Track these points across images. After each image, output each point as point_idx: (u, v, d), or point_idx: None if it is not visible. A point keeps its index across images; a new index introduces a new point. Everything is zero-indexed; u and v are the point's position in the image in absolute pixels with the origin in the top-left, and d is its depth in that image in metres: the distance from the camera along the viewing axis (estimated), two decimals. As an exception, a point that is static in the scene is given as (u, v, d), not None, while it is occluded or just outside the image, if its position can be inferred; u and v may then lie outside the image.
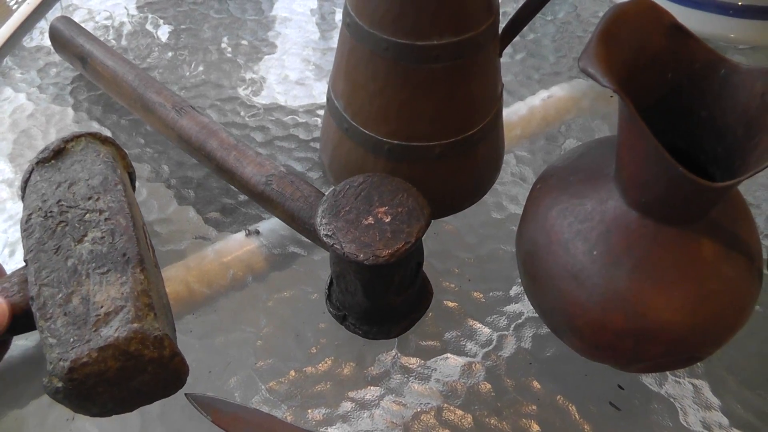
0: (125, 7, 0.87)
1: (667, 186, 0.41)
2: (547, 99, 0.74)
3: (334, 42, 0.82)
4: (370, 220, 0.48)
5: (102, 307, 0.45)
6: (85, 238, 0.49)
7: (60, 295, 0.45)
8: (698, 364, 0.54)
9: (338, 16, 0.85)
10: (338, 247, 0.47)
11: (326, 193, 0.50)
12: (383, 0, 0.48)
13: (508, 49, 0.56)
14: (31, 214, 0.51)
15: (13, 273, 0.51)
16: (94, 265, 0.47)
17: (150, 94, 0.65)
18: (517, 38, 0.55)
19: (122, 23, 0.85)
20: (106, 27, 0.85)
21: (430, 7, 0.47)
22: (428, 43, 0.48)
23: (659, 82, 0.45)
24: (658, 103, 0.45)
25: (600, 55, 0.40)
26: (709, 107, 0.44)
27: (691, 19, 0.59)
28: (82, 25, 0.78)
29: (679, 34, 0.44)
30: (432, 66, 0.50)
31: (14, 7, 1.44)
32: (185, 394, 0.52)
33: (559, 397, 0.53)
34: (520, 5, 0.53)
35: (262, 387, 0.54)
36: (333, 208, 0.49)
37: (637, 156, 0.42)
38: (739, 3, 0.77)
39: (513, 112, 0.73)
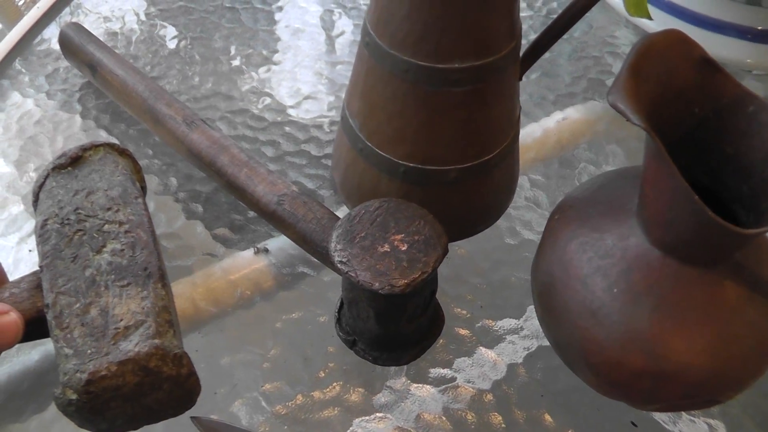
0: (136, 14, 0.86)
1: (693, 228, 0.40)
2: (561, 121, 0.73)
3: (347, 56, 0.81)
4: (386, 247, 0.47)
5: (122, 320, 0.44)
6: (104, 249, 0.48)
7: (77, 305, 0.45)
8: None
9: (351, 28, 0.84)
10: (353, 274, 0.46)
11: (341, 218, 0.49)
12: (405, 21, 0.47)
13: (523, 70, 0.55)
14: (47, 220, 0.50)
15: (22, 278, 0.50)
16: (113, 276, 0.46)
17: (160, 105, 0.65)
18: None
19: (132, 30, 0.84)
20: (116, 33, 0.84)
21: (453, 30, 0.46)
22: (449, 66, 0.47)
23: (685, 116, 0.44)
24: (683, 137, 0.44)
25: (629, 89, 0.40)
26: (736, 144, 0.43)
27: (708, 42, 0.58)
28: (92, 31, 0.77)
29: (708, 67, 0.43)
30: (452, 89, 0.49)
31: (23, 8, 1.44)
32: (191, 417, 0.51)
33: (570, 431, 0.52)
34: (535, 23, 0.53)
35: (269, 410, 0.53)
36: (348, 234, 0.48)
37: (662, 195, 0.41)
38: (759, 28, 0.76)
39: (528, 134, 0.72)
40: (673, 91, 0.42)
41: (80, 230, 0.49)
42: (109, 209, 0.50)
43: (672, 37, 0.42)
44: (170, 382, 0.43)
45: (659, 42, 0.41)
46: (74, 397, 0.41)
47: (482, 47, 0.47)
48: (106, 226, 0.49)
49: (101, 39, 0.76)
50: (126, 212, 0.50)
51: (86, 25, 0.82)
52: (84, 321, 0.44)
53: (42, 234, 0.49)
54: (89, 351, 0.42)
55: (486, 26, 0.47)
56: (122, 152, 0.56)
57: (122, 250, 0.48)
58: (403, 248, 0.47)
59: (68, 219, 0.49)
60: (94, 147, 0.55)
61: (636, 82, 0.40)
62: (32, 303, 0.49)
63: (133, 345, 0.42)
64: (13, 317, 0.46)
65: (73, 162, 0.54)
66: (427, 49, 0.47)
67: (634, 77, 0.40)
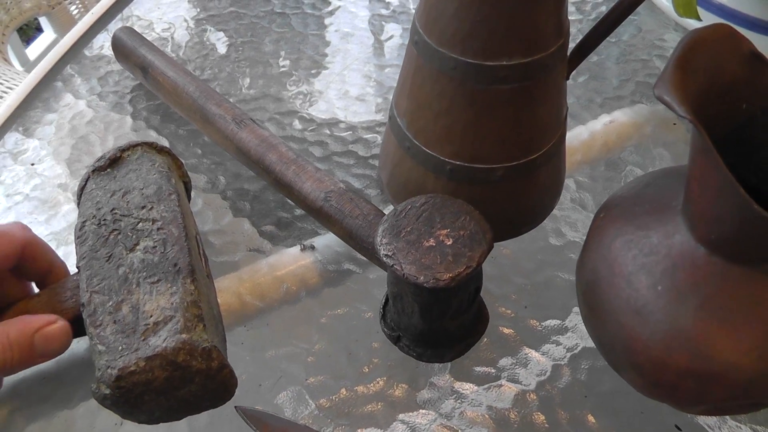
0: (186, 20, 0.88)
1: (740, 224, 0.39)
2: (609, 124, 0.73)
3: (396, 59, 0.82)
4: (432, 242, 0.47)
5: (151, 316, 0.45)
6: (137, 247, 0.49)
7: (110, 303, 0.46)
8: (761, 411, 0.53)
9: (399, 32, 0.85)
10: (398, 268, 0.46)
11: (387, 213, 0.50)
12: (453, 19, 0.47)
13: (571, 72, 0.55)
14: (85, 222, 0.51)
15: (67, 279, 0.52)
16: (144, 274, 0.47)
17: (210, 105, 0.66)
18: (581, 60, 0.54)
19: (182, 35, 0.86)
20: (166, 38, 0.86)
21: (501, 28, 0.46)
22: (497, 64, 0.48)
23: (732, 112, 0.43)
24: (731, 134, 0.44)
25: (676, 82, 0.39)
26: (785, 142, 0.43)
27: (759, 45, 0.58)
28: (144, 36, 0.79)
29: (757, 63, 0.42)
30: (499, 87, 0.49)
31: (76, 14, 1.47)
32: (235, 407, 0.52)
33: (613, 432, 0.52)
34: (584, 26, 0.53)
35: (313, 404, 0.53)
36: (394, 228, 0.48)
37: (708, 191, 0.40)
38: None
39: (574, 136, 0.72)
40: (720, 86, 0.42)
41: (115, 230, 0.50)
42: (143, 207, 0.51)
43: (720, 31, 0.42)
44: (201, 376, 0.44)
45: (707, 36, 0.41)
46: (107, 391, 0.42)
47: (530, 45, 0.48)
48: (140, 224, 0.50)
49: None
50: (159, 209, 0.51)
51: (138, 31, 0.84)
52: (116, 318, 0.45)
53: (80, 236, 0.51)
54: (120, 347, 0.43)
55: (534, 23, 0.47)
56: (161, 150, 0.57)
57: (154, 247, 0.49)
58: (449, 243, 0.47)
59: (105, 219, 0.51)
60: (132, 147, 0.56)
61: (683, 76, 0.39)
62: (75, 302, 0.50)
63: (161, 340, 0.43)
64: (60, 325, 0.48)
65: (112, 163, 0.55)
66: (475, 46, 0.47)
67: (681, 70, 0.39)
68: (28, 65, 1.59)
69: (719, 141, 0.43)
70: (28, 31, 2.12)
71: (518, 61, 0.48)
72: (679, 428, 0.52)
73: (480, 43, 0.47)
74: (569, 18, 0.84)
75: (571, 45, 0.53)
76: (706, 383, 0.43)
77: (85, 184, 0.55)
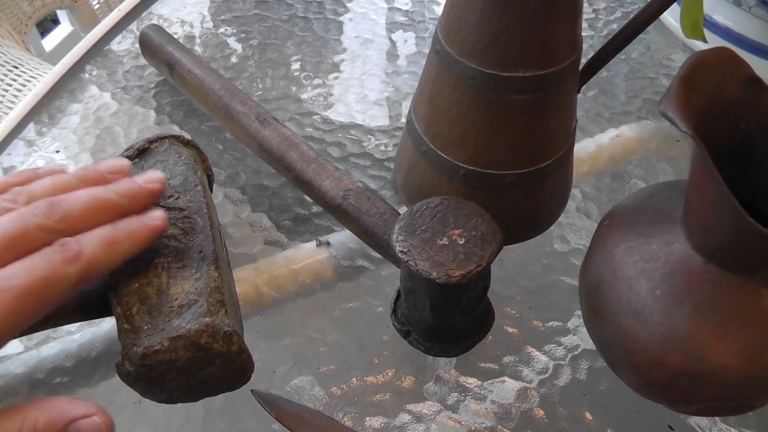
0: (212, 20, 0.91)
1: (733, 234, 0.42)
2: (615, 138, 0.76)
3: (414, 66, 0.85)
4: (445, 240, 0.50)
5: (176, 299, 0.46)
6: (164, 234, 0.51)
7: (136, 285, 0.47)
8: (750, 414, 0.55)
9: (418, 41, 0.88)
10: (412, 263, 0.49)
11: (403, 212, 0.52)
12: (474, 31, 0.50)
13: (582, 86, 0.57)
14: None
15: None
16: (171, 259, 0.49)
17: (235, 103, 0.68)
18: (591, 75, 0.57)
19: (206, 35, 0.89)
20: (191, 37, 0.88)
21: (519, 40, 0.49)
22: (513, 75, 0.50)
23: (731, 131, 0.46)
24: (729, 152, 0.47)
25: (679, 100, 0.42)
26: (780, 161, 0.46)
27: (761, 69, 0.60)
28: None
29: (755, 85, 0.45)
30: (514, 97, 0.51)
31: (97, 8, 1.50)
32: (251, 390, 0.54)
33: (609, 429, 0.55)
34: (596, 43, 0.55)
35: (323, 391, 0.56)
36: (409, 227, 0.51)
37: (706, 202, 0.43)
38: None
39: (582, 148, 0.74)
40: (721, 105, 0.45)
41: None
42: (170, 197, 0.53)
43: (722, 54, 0.44)
44: (221, 358, 0.45)
45: (710, 58, 0.44)
46: (132, 369, 0.44)
47: (545, 58, 0.50)
48: (167, 213, 0.52)
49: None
50: (185, 199, 0.53)
51: (166, 27, 0.87)
52: (142, 299, 0.46)
53: None
54: (146, 327, 0.45)
55: (549, 38, 0.50)
56: (187, 143, 0.59)
57: (180, 234, 0.50)
58: (461, 242, 0.50)
59: None
60: (160, 139, 0.57)
61: (686, 94, 0.42)
62: (101, 282, 0.52)
63: (186, 322, 0.44)
64: (96, 422, 0.41)
65: (140, 153, 0.56)
66: (494, 57, 0.50)
67: (685, 89, 0.42)
68: (44, 56, 1.62)
69: (718, 157, 0.45)
70: (45, 23, 2.14)
71: (534, 73, 0.50)
72: (671, 428, 0.55)
73: (498, 55, 0.50)
74: (582, 34, 0.87)
75: (583, 60, 0.56)
76: (698, 383, 0.45)
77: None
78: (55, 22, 1.86)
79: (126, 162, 0.50)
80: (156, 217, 0.47)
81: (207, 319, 0.45)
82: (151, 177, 0.49)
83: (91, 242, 0.44)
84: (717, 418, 0.55)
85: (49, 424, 0.40)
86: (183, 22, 0.90)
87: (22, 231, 0.42)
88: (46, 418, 0.40)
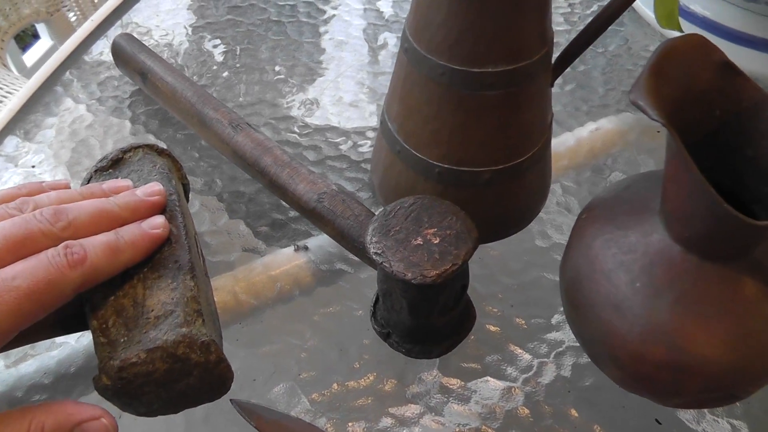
0: (184, 27, 0.90)
1: (711, 222, 0.41)
2: (594, 131, 0.75)
3: (389, 66, 0.84)
4: (419, 240, 0.49)
5: (152, 310, 0.46)
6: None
7: (112, 297, 0.47)
8: (737, 404, 0.54)
9: (393, 41, 0.87)
10: (387, 265, 0.48)
11: (377, 213, 0.52)
12: (441, 27, 0.49)
13: (558, 80, 0.57)
14: None
15: None
16: (146, 269, 0.48)
17: (207, 110, 0.68)
18: (567, 69, 0.56)
19: (181, 42, 0.88)
20: (165, 45, 0.87)
21: (486, 36, 0.48)
22: (483, 71, 0.50)
23: (706, 118, 0.45)
24: (705, 139, 0.46)
25: (650, 88, 0.41)
26: (755, 146, 0.45)
27: (740, 56, 0.60)
28: (142, 42, 0.81)
29: (728, 71, 0.44)
30: (486, 93, 0.51)
31: (74, 21, 1.49)
32: (230, 400, 0.53)
33: (595, 426, 0.54)
34: (572, 37, 0.55)
35: (305, 398, 0.55)
36: (383, 227, 0.50)
37: (682, 191, 0.42)
38: (792, 42, 0.77)
39: (561, 142, 0.74)
40: (694, 93, 0.44)
41: None
42: None
43: (693, 41, 0.44)
44: (200, 369, 0.45)
45: (680, 45, 0.43)
46: (109, 383, 0.43)
47: (514, 53, 0.50)
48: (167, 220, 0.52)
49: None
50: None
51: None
52: (118, 312, 0.46)
53: None
54: (122, 340, 0.44)
55: (518, 33, 0.49)
56: (161, 152, 0.58)
57: None
58: (436, 242, 0.49)
59: None
60: (134, 148, 0.57)
61: (657, 83, 0.41)
62: (77, 297, 0.51)
63: (162, 333, 0.44)
64: (103, 423, 0.44)
65: (114, 164, 0.56)
66: (462, 53, 0.49)
67: (656, 77, 0.42)
68: (25, 71, 1.61)
69: (694, 145, 0.45)
70: (25, 38, 2.13)
71: (503, 68, 0.50)
72: (658, 422, 0.54)
73: (466, 51, 0.49)
74: (558, 29, 0.86)
75: (557, 54, 0.55)
76: (682, 375, 0.45)
77: (88, 184, 0.56)
78: (36, 36, 1.85)
79: (128, 182, 0.52)
80: (157, 224, 0.48)
81: (184, 329, 0.44)
82: (151, 190, 0.50)
83: (96, 248, 0.44)
84: (705, 410, 0.55)
85: (56, 427, 0.41)
86: (157, 30, 0.90)
87: (25, 235, 0.43)
88: (53, 421, 0.41)
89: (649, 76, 0.41)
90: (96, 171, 0.56)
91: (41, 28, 1.59)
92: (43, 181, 0.52)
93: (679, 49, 0.43)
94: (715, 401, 0.49)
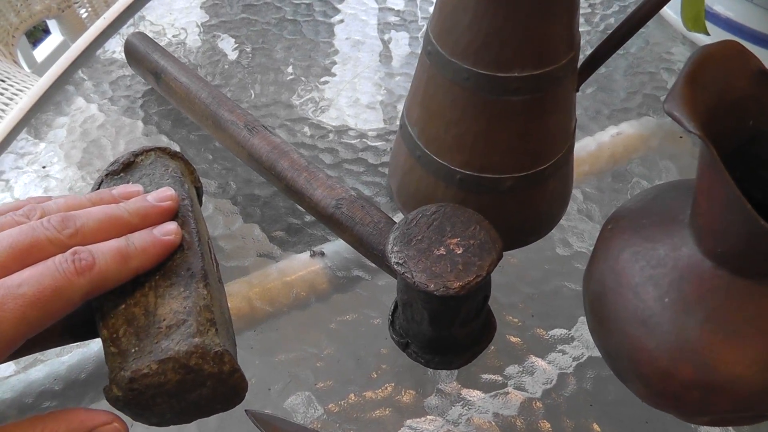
0: (198, 26, 0.89)
1: (745, 238, 0.40)
2: (616, 136, 0.74)
3: (407, 68, 0.83)
4: (442, 250, 0.48)
5: (164, 320, 0.45)
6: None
7: (123, 306, 0.46)
8: (765, 423, 0.53)
9: (408, 41, 0.86)
10: (408, 276, 0.47)
11: (398, 221, 0.50)
12: (467, 30, 0.48)
13: (580, 84, 0.56)
14: None
15: None
16: (157, 277, 0.47)
17: (222, 111, 0.66)
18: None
19: (194, 41, 0.87)
20: (179, 44, 0.86)
21: (513, 40, 0.47)
22: (509, 75, 0.48)
23: (740, 128, 0.44)
24: (738, 150, 0.45)
25: (686, 98, 0.40)
26: (789, 159, 0.44)
27: (764, 59, 0.59)
28: (156, 41, 0.80)
29: (764, 80, 0.43)
30: (511, 98, 0.50)
31: (85, 17, 1.48)
32: (245, 410, 0.52)
33: (618, 440, 0.53)
34: (593, 38, 0.53)
35: (321, 408, 0.54)
36: (405, 236, 0.49)
37: (715, 205, 0.41)
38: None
39: (582, 147, 0.72)
40: (728, 102, 0.43)
41: None
42: None
43: (729, 48, 0.42)
44: (213, 379, 0.44)
45: (716, 52, 0.42)
46: (120, 394, 0.43)
47: (541, 57, 0.48)
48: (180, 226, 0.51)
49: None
50: None
51: (149, 36, 0.85)
52: (129, 321, 0.45)
53: None
54: (133, 350, 0.43)
55: (546, 37, 0.48)
56: (174, 155, 0.57)
57: None
58: (459, 252, 0.48)
59: None
60: (145, 152, 0.56)
61: (692, 91, 0.40)
62: (86, 304, 0.50)
63: (174, 344, 0.43)
64: (115, 427, 0.44)
65: (125, 168, 0.55)
66: (488, 58, 0.48)
67: (691, 86, 0.40)
68: (36, 67, 1.60)
69: (726, 156, 0.43)
70: (36, 33, 2.13)
71: (530, 73, 0.48)
72: (682, 438, 0.53)
73: (493, 55, 0.48)
74: (579, 30, 0.85)
75: (582, 57, 0.54)
76: (711, 394, 0.43)
77: (99, 188, 0.55)
78: (47, 32, 1.84)
79: (138, 188, 0.51)
80: (169, 231, 0.47)
81: (196, 339, 0.43)
82: (163, 195, 0.49)
83: (104, 254, 0.43)
84: (730, 428, 0.53)
85: None
86: (170, 29, 0.88)
87: (32, 243, 0.42)
88: (66, 429, 0.41)
89: (685, 85, 0.40)
90: (107, 175, 0.55)
91: (52, 23, 1.58)
92: (49, 196, 0.51)
93: (715, 57, 0.42)
94: (744, 420, 0.48)
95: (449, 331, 0.51)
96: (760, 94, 0.43)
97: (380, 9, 0.91)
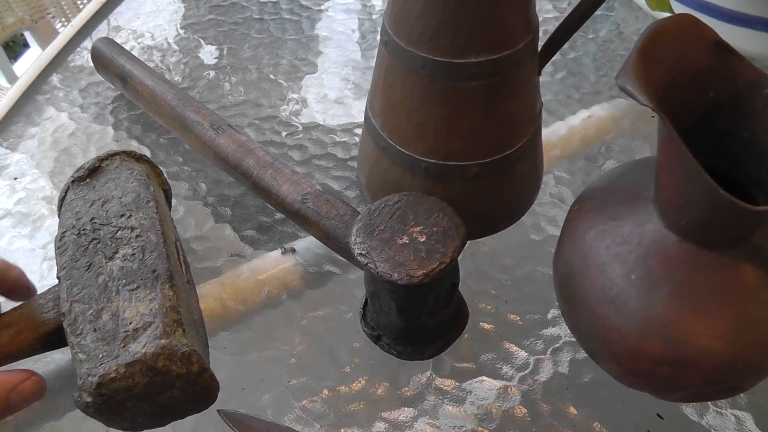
0: (166, 28, 0.88)
1: (707, 209, 0.40)
2: (587, 119, 0.74)
3: (374, 62, 0.82)
4: (405, 239, 0.47)
5: (131, 323, 0.45)
6: (116, 255, 0.49)
7: (90, 312, 0.46)
8: (741, 395, 0.53)
9: (378, 36, 0.86)
10: (372, 266, 0.46)
11: (361, 212, 0.50)
12: (420, 18, 0.47)
13: (548, 68, 0.55)
14: (65, 232, 0.51)
15: (49, 290, 0.52)
16: (124, 281, 0.47)
17: (188, 112, 0.66)
18: (557, 56, 0.54)
19: (164, 44, 0.86)
20: (149, 47, 0.86)
21: (467, 26, 0.47)
22: (465, 61, 0.48)
23: (700, 101, 0.44)
24: (699, 123, 0.44)
25: (638, 72, 0.40)
26: (752, 128, 0.43)
27: (734, 36, 0.58)
28: (125, 46, 0.80)
29: (721, 51, 0.42)
30: (469, 84, 0.49)
31: (59, 28, 1.47)
32: (217, 411, 0.52)
33: (595, 423, 0.52)
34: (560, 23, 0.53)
35: (295, 405, 0.54)
36: (368, 227, 0.48)
37: (676, 177, 0.41)
38: (789, 20, 0.75)
39: (552, 132, 0.72)
40: (686, 75, 0.42)
41: (95, 239, 0.50)
42: (122, 216, 0.51)
43: (683, 21, 0.42)
44: (182, 380, 0.44)
45: (670, 26, 0.41)
46: (89, 399, 0.43)
47: (497, 41, 0.48)
48: (119, 233, 0.50)
49: (134, 54, 0.78)
50: (138, 217, 0.51)
51: (120, 41, 0.84)
52: (96, 326, 0.45)
53: (60, 246, 0.51)
54: (101, 355, 0.43)
55: (500, 20, 0.47)
56: (139, 158, 0.57)
57: (133, 254, 0.49)
58: (422, 240, 0.47)
59: (84, 229, 0.51)
60: (111, 156, 0.56)
61: (646, 66, 0.40)
62: (56, 313, 0.50)
63: (141, 346, 0.43)
64: (34, 380, 0.48)
65: (91, 173, 0.55)
66: (443, 44, 0.48)
67: (644, 60, 0.40)
68: (16, 81, 1.59)
69: (688, 129, 0.43)
70: (15, 48, 2.11)
71: (486, 58, 0.48)
72: (660, 416, 0.52)
73: (447, 41, 0.47)
74: (546, 16, 0.85)
75: (543, 38, 0.54)
76: (682, 369, 0.43)
77: (65, 195, 0.55)
78: (27, 45, 1.83)
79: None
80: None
81: (163, 341, 0.43)
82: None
83: None
84: (708, 403, 0.53)
85: None
86: (138, 33, 0.88)
87: None
88: None
89: (637, 59, 0.40)
90: (73, 182, 0.55)
91: (29, 36, 1.57)
92: None
93: (668, 30, 0.41)
94: (717, 394, 0.47)
95: (419, 321, 0.51)
96: (717, 65, 0.43)
97: (348, 5, 0.91)
